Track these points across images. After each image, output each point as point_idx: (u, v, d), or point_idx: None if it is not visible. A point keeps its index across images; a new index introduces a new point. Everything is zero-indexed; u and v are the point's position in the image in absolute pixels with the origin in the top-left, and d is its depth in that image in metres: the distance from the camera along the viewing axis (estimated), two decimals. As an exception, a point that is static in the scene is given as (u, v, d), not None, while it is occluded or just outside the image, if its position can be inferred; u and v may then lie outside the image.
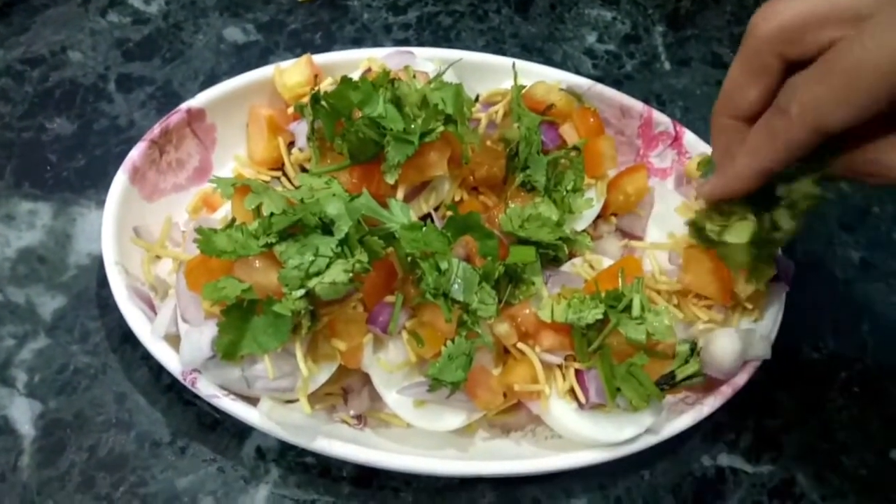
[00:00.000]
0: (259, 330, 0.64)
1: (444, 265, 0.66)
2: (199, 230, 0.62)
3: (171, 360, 0.68)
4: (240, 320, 0.63)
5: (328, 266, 0.62)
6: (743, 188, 0.63)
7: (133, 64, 0.93)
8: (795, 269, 0.80)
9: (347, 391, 0.73)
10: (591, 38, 1.05)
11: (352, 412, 0.73)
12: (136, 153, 0.76)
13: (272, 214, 0.63)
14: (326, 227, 0.64)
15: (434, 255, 0.67)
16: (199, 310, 0.66)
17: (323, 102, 0.71)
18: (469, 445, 0.74)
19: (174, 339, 0.69)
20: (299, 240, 0.63)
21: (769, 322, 0.79)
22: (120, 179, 0.74)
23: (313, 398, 0.69)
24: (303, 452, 0.73)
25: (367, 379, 0.71)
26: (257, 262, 0.63)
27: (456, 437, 0.74)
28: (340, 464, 0.73)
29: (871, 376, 0.86)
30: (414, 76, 0.76)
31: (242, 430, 0.74)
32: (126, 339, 0.74)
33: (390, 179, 0.70)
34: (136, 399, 0.74)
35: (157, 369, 0.74)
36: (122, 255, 0.72)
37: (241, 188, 0.66)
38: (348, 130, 0.69)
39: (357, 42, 0.99)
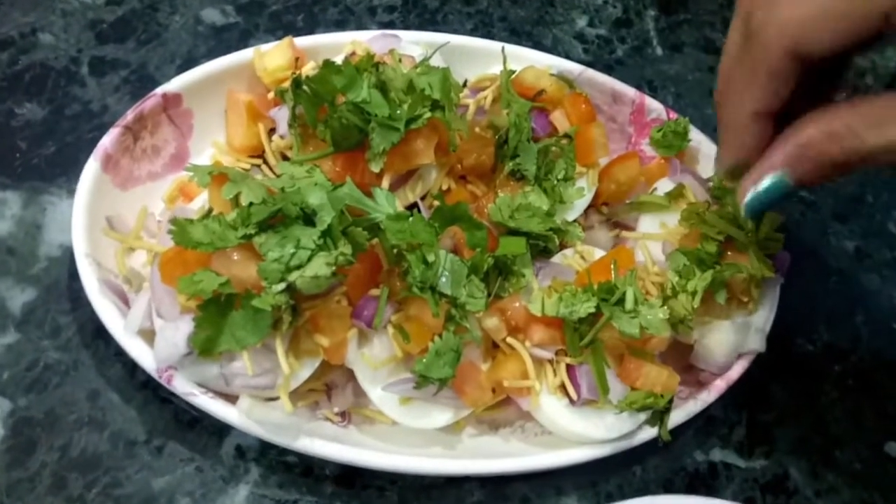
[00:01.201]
0: (237, 325, 0.61)
1: (430, 257, 0.64)
2: (173, 220, 0.60)
3: (145, 357, 0.65)
4: (217, 315, 0.61)
5: (310, 259, 0.60)
6: (745, 143, 0.57)
7: (106, 46, 0.90)
8: (790, 259, 0.79)
9: (331, 387, 0.71)
10: (582, 22, 1.03)
11: (335, 409, 0.71)
12: (108, 140, 0.73)
13: (251, 204, 0.61)
14: (308, 218, 0.61)
15: (420, 246, 0.64)
16: (174, 304, 0.63)
17: (305, 87, 0.68)
18: (456, 443, 0.72)
19: (149, 335, 0.66)
20: (280, 231, 0.60)
21: (764, 315, 0.77)
22: (91, 167, 0.71)
23: (295, 395, 0.67)
24: (284, 451, 0.71)
25: (351, 375, 0.69)
26: (235, 254, 0.61)
27: (443, 434, 0.72)
28: (323, 462, 0.71)
29: (865, 368, 0.85)
30: (400, 60, 0.73)
31: (221, 428, 0.71)
32: (99, 334, 0.71)
33: (375, 168, 0.68)
34: (109, 396, 0.72)
35: (132, 365, 0.71)
36: (93, 246, 0.69)
37: (218, 176, 0.63)
38: (331, 116, 0.67)
39: (340, 25, 0.96)
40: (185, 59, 0.90)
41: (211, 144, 0.80)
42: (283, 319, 0.62)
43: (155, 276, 0.64)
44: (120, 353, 0.71)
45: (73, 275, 0.71)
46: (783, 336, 0.83)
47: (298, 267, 0.60)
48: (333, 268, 0.59)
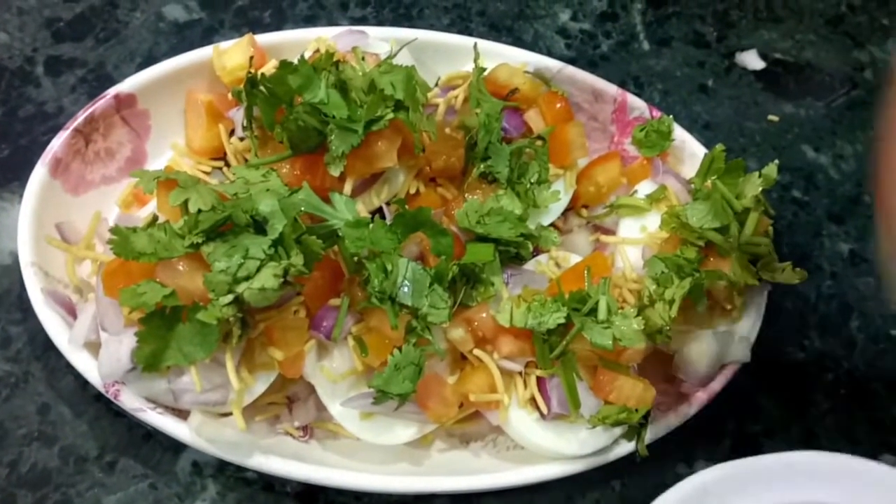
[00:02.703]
0: (184, 339, 0.59)
1: (390, 266, 0.61)
2: (114, 230, 0.57)
3: (92, 371, 0.63)
4: (162, 329, 0.59)
5: (258, 269, 0.57)
6: None
7: (63, 45, 0.87)
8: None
9: (293, 400, 0.69)
10: (565, 16, 0.99)
11: (296, 423, 0.69)
12: (57, 143, 0.70)
13: (200, 211, 0.58)
14: (259, 226, 0.59)
15: (381, 254, 0.61)
16: (118, 317, 0.61)
17: (261, 87, 0.65)
18: (424, 458, 0.70)
19: (96, 348, 0.64)
20: (228, 240, 0.57)
21: (749, 323, 0.75)
22: (39, 173, 0.69)
23: (254, 408, 0.65)
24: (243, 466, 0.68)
25: (314, 387, 0.66)
26: (181, 264, 0.59)
27: (410, 449, 0.69)
28: (284, 479, 0.68)
29: (859, 377, 0.82)
30: (363, 58, 0.70)
31: (177, 443, 0.68)
32: (50, 345, 0.69)
33: (335, 171, 0.65)
34: (60, 410, 0.70)
35: (84, 378, 0.68)
36: (42, 255, 0.67)
37: (165, 182, 0.61)
38: (288, 118, 0.64)
39: (310, 20, 0.93)
40: (145, 57, 0.87)
41: (170, 146, 0.77)
42: (232, 332, 0.59)
43: (99, 287, 0.61)
44: (71, 366, 0.69)
45: (24, 284, 0.68)
46: (772, 343, 0.80)
47: (247, 278, 0.57)
48: (281, 279, 0.56)
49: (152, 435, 0.69)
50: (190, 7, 0.91)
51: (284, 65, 0.64)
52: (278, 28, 0.89)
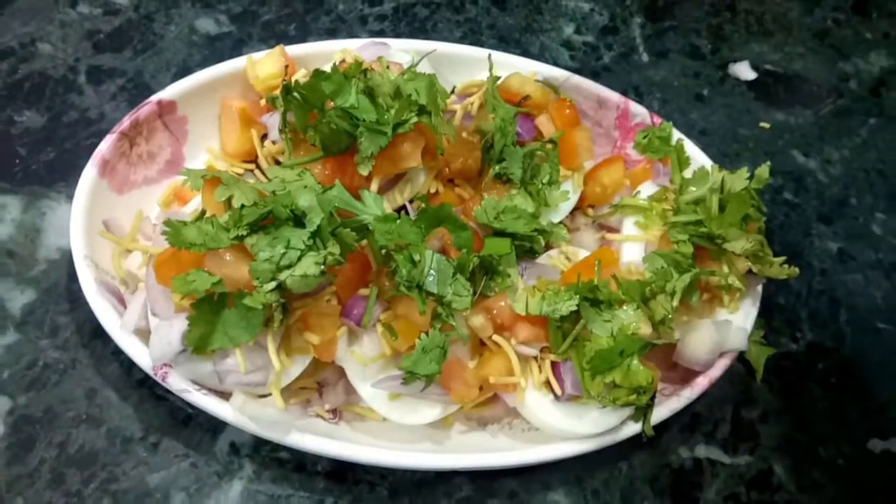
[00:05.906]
0: (230, 323, 0.63)
1: (417, 257, 0.66)
2: (167, 222, 0.61)
3: (141, 355, 0.67)
4: (210, 314, 0.62)
5: (300, 259, 0.61)
6: None
7: (103, 56, 0.91)
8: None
9: (322, 385, 0.73)
10: (569, 30, 1.04)
11: (327, 406, 0.72)
12: (105, 146, 0.74)
13: (243, 206, 0.62)
14: (298, 220, 0.63)
15: (408, 247, 0.66)
16: (169, 303, 0.65)
17: (295, 94, 0.69)
18: (445, 438, 0.73)
19: (144, 334, 0.67)
20: (270, 232, 0.62)
21: (746, 313, 0.78)
22: (89, 172, 0.73)
23: (287, 392, 0.68)
24: (277, 447, 0.72)
25: (342, 372, 0.70)
26: (228, 254, 0.62)
27: (432, 430, 0.73)
28: (315, 458, 0.72)
29: (848, 367, 0.86)
30: (387, 67, 0.75)
31: (216, 425, 0.73)
32: (97, 333, 0.73)
33: (364, 171, 0.69)
34: (106, 394, 0.73)
35: (129, 364, 0.73)
36: (91, 248, 0.71)
37: (211, 180, 0.65)
38: (321, 122, 0.68)
39: (332, 33, 0.98)
40: (180, 67, 0.92)
41: (205, 150, 0.81)
42: (274, 318, 0.64)
43: (150, 276, 0.65)
44: (117, 352, 0.73)
45: (72, 276, 0.73)
46: (767, 335, 0.84)
47: (288, 267, 0.61)
48: (322, 267, 0.61)
49: (192, 417, 0.73)
50: (220, 21, 0.96)
51: (317, 73, 0.68)
52: (303, 40, 0.94)
